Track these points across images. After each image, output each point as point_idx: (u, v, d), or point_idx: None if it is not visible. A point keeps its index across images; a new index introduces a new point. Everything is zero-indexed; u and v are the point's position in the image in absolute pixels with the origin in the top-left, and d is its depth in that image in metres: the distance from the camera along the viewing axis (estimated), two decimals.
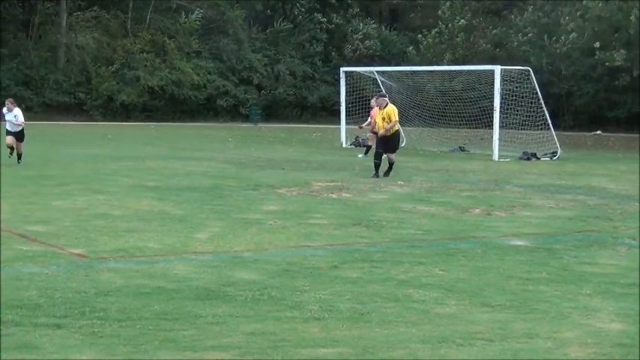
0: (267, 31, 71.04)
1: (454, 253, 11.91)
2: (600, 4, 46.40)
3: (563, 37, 52.19)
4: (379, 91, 40.23)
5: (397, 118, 23.29)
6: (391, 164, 23.34)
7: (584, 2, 47.18)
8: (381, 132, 23.21)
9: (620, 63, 48.24)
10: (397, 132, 23.88)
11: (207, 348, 7.18)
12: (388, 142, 23.28)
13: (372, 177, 22.82)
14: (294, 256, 11.44)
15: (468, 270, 10.68)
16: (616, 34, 47.11)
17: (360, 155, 31.76)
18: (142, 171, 23.74)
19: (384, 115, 23.23)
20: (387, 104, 23.42)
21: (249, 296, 8.99)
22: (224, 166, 26.01)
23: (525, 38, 58.08)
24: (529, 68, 35.12)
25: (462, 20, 62.61)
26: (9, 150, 25.22)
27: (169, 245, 12.03)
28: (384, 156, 23.26)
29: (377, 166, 23.19)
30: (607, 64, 49.61)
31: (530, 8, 59.01)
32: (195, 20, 66.24)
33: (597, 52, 49.42)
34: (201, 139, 42.01)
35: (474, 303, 8.94)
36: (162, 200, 17.16)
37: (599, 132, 55.40)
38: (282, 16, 71.84)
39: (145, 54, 64.01)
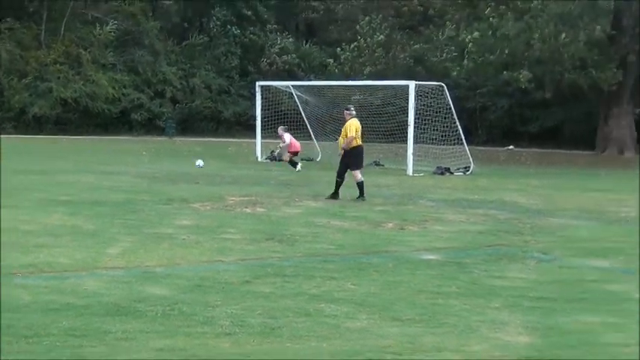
0: (183, 44, 70.72)
1: (366, 267, 12.00)
2: (510, 23, 47.17)
3: (475, 56, 52.94)
4: (295, 106, 40.47)
5: (353, 134, 21.84)
6: (358, 184, 21.99)
7: (493, 21, 47.93)
8: (340, 148, 22.30)
9: (524, 85, 49.18)
10: (357, 148, 22.09)
11: None
12: (349, 158, 22.04)
13: (329, 198, 21.68)
14: (206, 271, 11.41)
15: (380, 284, 10.77)
16: (526, 54, 47.91)
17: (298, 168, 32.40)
18: (54, 185, 23.45)
19: (343, 130, 22.30)
20: (350, 118, 22.31)
21: (160, 312, 8.96)
22: (137, 180, 25.82)
23: (444, 56, 58.74)
24: (443, 84, 35.49)
25: (381, 36, 63.06)
26: None
27: (80, 260, 11.91)
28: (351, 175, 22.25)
29: (338, 184, 21.96)
30: (514, 83, 50.52)
31: (447, 24, 59.68)
32: (110, 32, 65.63)
33: (504, 72, 50.25)
34: (114, 153, 41.62)
35: (385, 317, 9.02)
36: (73, 215, 16.98)
37: (511, 147, 56.14)
38: (197, 29, 71.60)
39: (58, 65, 63.23)
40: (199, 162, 33.38)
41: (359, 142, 22.04)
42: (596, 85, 49.25)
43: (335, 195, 21.84)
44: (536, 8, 46.04)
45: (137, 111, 65.21)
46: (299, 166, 32.52)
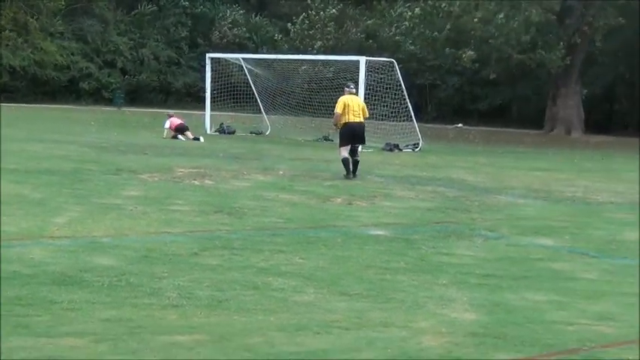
0: (133, 13, 70.12)
1: (314, 241, 12.01)
2: (445, 3, 47.50)
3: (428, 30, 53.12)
4: (246, 79, 40.33)
5: (338, 110, 21.12)
6: (342, 161, 21.47)
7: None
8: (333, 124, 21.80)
9: (467, 64, 49.51)
10: (346, 125, 21.31)
11: (62, 334, 7.08)
12: (339, 135, 21.71)
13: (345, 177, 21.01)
14: (153, 242, 11.35)
15: (328, 259, 10.78)
16: (472, 32, 48.20)
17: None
18: (1, 153, 23.16)
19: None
20: (345, 95, 21.67)
21: (107, 282, 8.90)
22: (85, 149, 25.61)
23: (395, 31, 58.83)
24: (393, 60, 35.58)
25: (333, 10, 63.00)
26: None
27: (26, 229, 11.79)
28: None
29: (344, 163, 21.48)
30: (457, 61, 50.87)
31: (399, 2, 59.76)
32: (60, 0, 64.89)
33: (447, 50, 50.52)
34: (62, 122, 41.25)
35: (332, 292, 9.03)
36: (19, 183, 16.77)
37: (460, 125, 56.50)
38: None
39: (8, 32, 62.44)
40: (189, 134, 33.49)
41: (348, 118, 21.19)
42: (544, 66, 49.69)
43: (347, 175, 21.16)
44: None
45: (85, 80, 64.73)
46: (201, 138, 33.17)
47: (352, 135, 21.35)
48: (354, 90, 22.45)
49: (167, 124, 34.06)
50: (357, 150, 21.60)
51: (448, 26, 48.80)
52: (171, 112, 36.94)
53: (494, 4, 46.62)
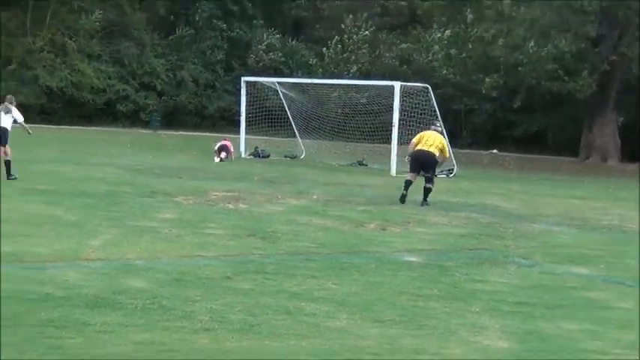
0: (170, 37, 70.56)
1: (347, 267, 11.99)
2: (485, 26, 47.45)
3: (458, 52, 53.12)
4: (280, 103, 40.47)
5: (414, 139, 22.26)
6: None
7: (469, 18, 48.24)
8: None
9: (489, 91, 49.46)
10: (414, 152, 21.96)
11: (95, 357, 7.12)
12: None
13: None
14: (187, 265, 11.39)
15: (361, 284, 10.76)
16: (501, 58, 48.17)
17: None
18: (34, 174, 23.32)
19: None
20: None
21: (140, 305, 8.93)
22: (120, 172, 25.75)
23: (431, 56, 58.86)
24: (428, 86, 35.52)
25: (367, 32, 63.17)
26: None
27: (60, 251, 11.87)
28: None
29: (405, 184, 21.83)
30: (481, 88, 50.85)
31: (434, 25, 59.79)
32: (96, 21, 65.34)
33: (474, 76, 50.53)
34: (98, 144, 41.49)
35: (365, 318, 9.01)
36: (55, 205, 16.92)
37: (494, 151, 56.27)
38: (184, 22, 71.45)
39: (45, 53, 62.99)
40: (223, 154, 34.41)
41: (419, 147, 21.65)
42: (571, 94, 49.47)
43: (424, 201, 21.53)
44: (508, 14, 46.18)
45: (122, 102, 65.05)
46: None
47: (417, 161, 21.74)
48: (439, 128, 23.09)
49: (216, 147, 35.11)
50: (429, 178, 21.73)
51: (478, 52, 48.79)
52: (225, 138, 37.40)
53: (524, 30, 46.49)
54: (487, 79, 48.14)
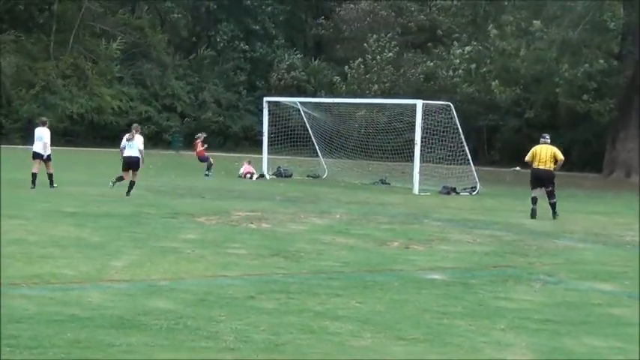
0: (191, 57, 70.85)
1: (371, 285, 11.98)
2: (510, 40, 47.41)
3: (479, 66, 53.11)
4: (303, 122, 40.52)
5: (527, 158, 24.34)
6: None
7: (492, 34, 48.24)
8: None
9: (498, 94, 49.34)
10: (531, 170, 24.37)
11: None
12: None
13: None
14: (211, 285, 11.41)
15: (385, 303, 10.75)
16: (522, 71, 48.13)
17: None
18: (60, 196, 23.50)
19: None
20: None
21: (164, 325, 8.96)
22: (143, 193, 25.84)
23: (457, 72, 58.81)
24: (450, 104, 35.50)
25: (390, 53, 63.22)
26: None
27: (85, 272, 11.92)
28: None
29: (532, 201, 24.02)
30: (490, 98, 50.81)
31: (455, 43, 59.78)
32: (117, 48, 65.76)
33: (494, 86, 50.39)
34: (121, 166, 41.56)
35: (389, 336, 9.00)
36: (79, 227, 17.01)
37: (517, 168, 56.04)
38: (205, 44, 71.75)
39: (65, 79, 63.33)
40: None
41: (534, 165, 23.92)
42: (591, 116, 49.45)
43: (554, 214, 23.84)
44: (538, 30, 46.14)
45: (144, 124, 65.17)
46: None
47: (536, 179, 24.00)
48: (548, 140, 24.42)
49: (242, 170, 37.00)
50: (550, 193, 23.87)
51: (496, 64, 48.76)
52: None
53: (546, 42, 46.43)
54: (505, 89, 48.12)
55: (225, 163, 44.27)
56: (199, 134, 40.84)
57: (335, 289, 11.47)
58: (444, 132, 35.14)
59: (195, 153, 39.62)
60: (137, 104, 65.82)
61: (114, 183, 25.85)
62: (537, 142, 24.45)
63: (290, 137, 42.07)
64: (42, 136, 26.77)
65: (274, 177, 37.71)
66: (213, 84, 69.77)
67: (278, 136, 41.10)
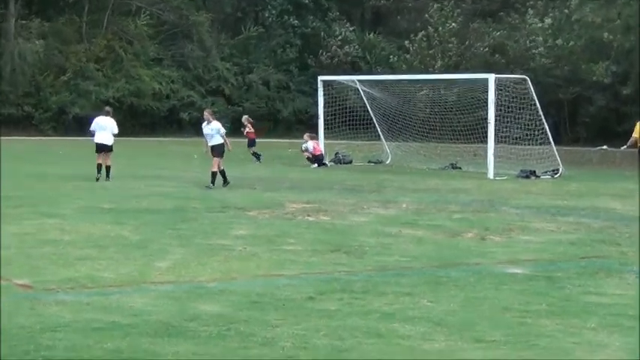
0: (237, 37, 70.95)
1: (444, 282, 11.89)
2: (589, 8, 46.99)
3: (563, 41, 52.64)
4: (362, 102, 40.41)
5: (636, 134, 25.28)
6: None
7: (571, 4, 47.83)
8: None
9: (599, 78, 48.77)
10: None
11: None
12: None
13: None
14: (265, 286, 11.38)
15: (459, 301, 10.66)
16: (614, 44, 47.64)
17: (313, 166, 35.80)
18: (97, 191, 23.68)
19: None
20: None
21: (215, 332, 8.93)
22: (188, 185, 25.97)
23: (528, 44, 58.28)
24: (526, 77, 35.20)
25: (454, 24, 62.80)
26: None
27: (125, 275, 11.96)
28: None
29: None
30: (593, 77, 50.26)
31: (530, 11, 59.27)
32: (145, 22, 65.91)
33: (582, 65, 49.93)
34: (163, 156, 41.92)
35: (466, 338, 8.91)
36: (118, 224, 17.09)
37: (604, 147, 55.51)
38: (252, 20, 71.83)
39: (99, 63, 63.75)
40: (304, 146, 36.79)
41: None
42: None
43: None
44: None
45: (187, 110, 65.46)
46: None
47: None
48: None
49: (310, 146, 36.64)
50: None
51: (584, 38, 48.32)
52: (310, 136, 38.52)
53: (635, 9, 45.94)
54: (598, 65, 47.66)
55: (276, 151, 44.35)
56: (245, 116, 41.45)
57: (404, 287, 11.40)
58: (520, 108, 34.88)
59: (247, 134, 39.66)
60: (179, 87, 66.00)
61: (212, 183, 26.00)
62: (628, 118, 24.23)
63: (348, 119, 41.93)
64: (105, 125, 27.59)
65: (332, 164, 37.67)
66: (263, 64, 69.77)
67: (335, 119, 40.99)
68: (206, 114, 27.26)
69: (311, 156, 36.58)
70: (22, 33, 62.57)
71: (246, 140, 39.35)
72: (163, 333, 8.87)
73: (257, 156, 38.21)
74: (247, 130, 39.38)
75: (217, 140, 26.31)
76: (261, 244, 14.91)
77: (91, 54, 64.00)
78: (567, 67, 56.05)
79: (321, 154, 36.86)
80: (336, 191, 25.12)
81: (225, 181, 26.07)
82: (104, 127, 27.55)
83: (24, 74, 61.34)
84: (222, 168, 26.20)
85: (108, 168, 27.12)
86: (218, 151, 26.19)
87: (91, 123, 28.24)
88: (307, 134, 38.30)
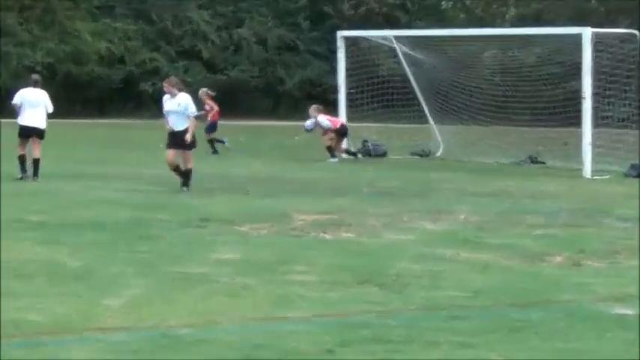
0: None
1: (520, 328, 11.87)
2: None
3: None
4: (400, 69, 40.41)
5: None
6: None
7: None
8: None
9: None
10: None
11: None
12: None
13: None
14: (262, 334, 11.37)
15: (544, 355, 10.64)
16: None
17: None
18: (21, 197, 23.66)
19: None
20: None
21: None
22: (151, 188, 26.01)
23: None
24: (636, 32, 35.12)
25: None
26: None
27: (61, 317, 11.93)
28: None
29: None
30: None
31: None
32: None
33: None
34: (114, 145, 42.00)
35: None
36: (51, 244, 17.10)
37: None
38: None
39: (23, 13, 63.86)
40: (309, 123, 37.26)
41: None
42: None
43: None
44: None
45: (149, 79, 65.50)
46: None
47: None
48: None
49: (326, 122, 37.02)
50: None
51: None
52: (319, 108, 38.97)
53: None
54: None
55: (277, 138, 44.50)
56: (204, 89, 41.38)
57: (462, 335, 11.38)
58: (627, 77, 34.84)
59: (206, 116, 39.42)
60: (137, 47, 66.06)
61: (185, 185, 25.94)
62: None
63: (381, 94, 41.98)
64: (38, 101, 27.31)
65: (359, 156, 37.70)
66: (258, 14, 69.73)
67: (362, 93, 41.05)
68: (166, 85, 26.38)
69: (333, 135, 36.71)
70: None
71: (206, 124, 39.22)
72: None
73: (219, 142, 38.94)
74: (208, 107, 39.41)
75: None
76: (256, 273, 14.92)
77: (11, 1, 64.13)
78: None
79: (345, 127, 37.12)
80: (364, 196, 25.19)
81: (186, 183, 25.69)
82: (35, 104, 27.21)
83: None
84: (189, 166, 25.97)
85: (36, 162, 26.89)
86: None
87: (12, 97, 27.86)
88: (314, 106, 38.58)
